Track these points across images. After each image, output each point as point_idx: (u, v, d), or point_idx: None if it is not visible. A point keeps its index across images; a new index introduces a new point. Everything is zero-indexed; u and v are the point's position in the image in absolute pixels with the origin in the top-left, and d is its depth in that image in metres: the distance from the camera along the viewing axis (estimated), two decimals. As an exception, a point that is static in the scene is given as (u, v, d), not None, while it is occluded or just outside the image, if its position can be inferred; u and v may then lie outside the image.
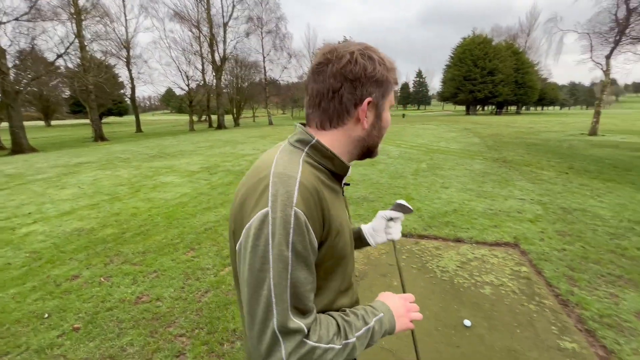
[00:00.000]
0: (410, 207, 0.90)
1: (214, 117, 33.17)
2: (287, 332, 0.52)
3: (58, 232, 4.13)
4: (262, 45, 32.63)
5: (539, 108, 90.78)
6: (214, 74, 29.65)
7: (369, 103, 0.64)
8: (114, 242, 3.76)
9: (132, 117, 38.89)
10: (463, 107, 58.52)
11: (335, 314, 0.64)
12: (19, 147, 14.66)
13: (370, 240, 0.92)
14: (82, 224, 4.40)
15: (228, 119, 35.30)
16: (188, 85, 29.71)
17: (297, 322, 0.53)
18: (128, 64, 27.28)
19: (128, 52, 26.91)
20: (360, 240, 0.94)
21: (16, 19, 14.78)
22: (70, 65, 20.09)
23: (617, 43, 13.23)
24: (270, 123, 32.75)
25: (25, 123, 16.41)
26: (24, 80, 16.54)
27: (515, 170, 7.19)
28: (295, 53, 35.62)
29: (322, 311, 0.65)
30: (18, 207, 5.34)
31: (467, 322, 2.25)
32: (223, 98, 31.76)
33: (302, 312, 0.55)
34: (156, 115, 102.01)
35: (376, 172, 7.14)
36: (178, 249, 3.55)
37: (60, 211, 5.03)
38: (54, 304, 2.56)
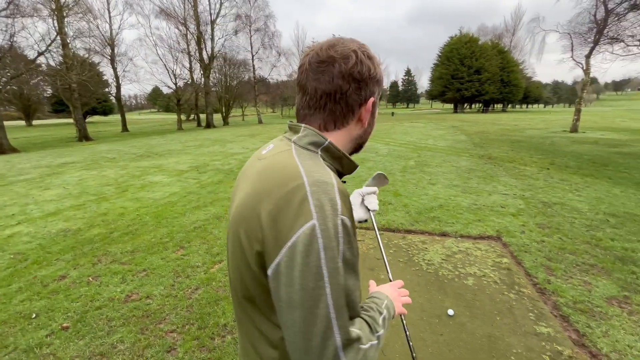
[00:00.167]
0: (387, 178, 0.99)
1: (202, 116, 32.81)
2: (348, 344, 0.51)
3: (43, 233, 4.06)
4: (251, 44, 32.43)
5: (524, 106, 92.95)
6: (202, 72, 29.27)
7: (372, 103, 0.64)
8: (102, 242, 3.73)
9: (117, 117, 38.04)
10: (451, 105, 59.52)
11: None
12: (-1, 147, 14.20)
13: None
14: (68, 225, 4.33)
15: (217, 117, 34.97)
16: (175, 84, 29.23)
17: (355, 332, 0.52)
18: (113, 61, 26.64)
19: (112, 49, 26.27)
20: None
21: (-7, 15, 14.28)
22: (52, 63, 19.52)
23: (596, 43, 13.69)
24: (260, 122, 32.58)
25: (5, 123, 15.86)
26: (3, 79, 15.98)
27: (499, 167, 7.40)
28: (284, 51, 35.57)
29: None
30: (0, 208, 5.21)
31: (450, 312, 2.35)
32: (211, 97, 31.39)
33: (353, 319, 0.55)
34: (143, 115, 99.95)
35: (365, 170, 7.24)
36: (167, 247, 3.55)
37: (45, 212, 4.94)
38: (42, 304, 2.54)
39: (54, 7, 17.29)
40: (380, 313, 0.65)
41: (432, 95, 51.74)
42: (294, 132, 0.65)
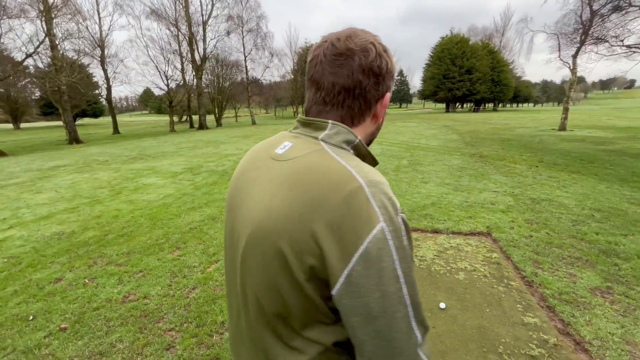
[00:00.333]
0: None
1: (195, 118, 32.58)
2: (424, 336, 0.51)
3: (37, 237, 4.04)
4: (243, 44, 32.32)
5: (514, 105, 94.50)
6: (194, 73, 29.09)
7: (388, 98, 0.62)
8: (97, 245, 3.73)
9: (108, 119, 37.55)
10: (443, 105, 60.15)
11: None
12: (-14, 151, 13.94)
13: None
14: (62, 228, 4.31)
15: (210, 119, 34.76)
16: (167, 85, 28.99)
17: (426, 322, 0.52)
18: (103, 63, 26.31)
19: (102, 51, 25.95)
20: None
21: (-21, 16, 14.02)
22: (40, 65, 19.24)
23: (582, 43, 14.03)
24: (254, 123, 32.50)
25: (-7, 126, 15.58)
26: (-10, 82, 15.71)
27: (490, 165, 7.55)
28: (277, 52, 35.55)
29: None
30: (-9, 212, 5.15)
31: (442, 305, 2.43)
32: (204, 98, 31.22)
33: None
34: (134, 116, 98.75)
35: (359, 169, 7.32)
36: (163, 248, 3.57)
37: (38, 216, 4.90)
38: (38, 306, 2.55)
39: (42, 8, 17.02)
40: None
41: (425, 95, 52.19)
42: (314, 128, 0.60)
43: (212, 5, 28.87)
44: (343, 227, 0.47)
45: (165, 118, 47.77)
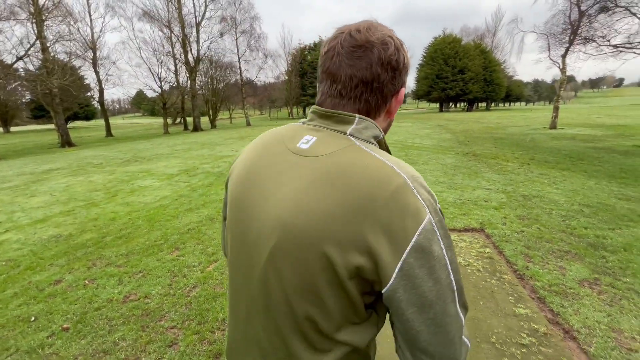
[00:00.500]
0: None
1: (189, 120, 32.41)
2: (465, 316, 0.53)
3: (34, 240, 4.03)
4: (237, 46, 32.31)
5: (506, 104, 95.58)
6: (187, 75, 28.98)
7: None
8: (95, 247, 3.74)
9: (100, 121, 37.26)
10: (437, 105, 60.59)
11: None
12: (-23, 155, 13.73)
13: None
14: (59, 231, 4.31)
15: (204, 120, 34.60)
16: (161, 87, 28.83)
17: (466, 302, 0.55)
18: (95, 65, 26.09)
19: (94, 53, 25.74)
20: None
21: (-32, 19, 13.82)
22: (31, 67, 19.00)
23: (571, 43, 14.32)
24: (248, 124, 32.46)
25: (-17, 130, 15.35)
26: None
27: (483, 163, 7.68)
28: (271, 53, 35.61)
29: None
30: (-14, 217, 5.11)
31: (437, 298, 2.50)
32: (198, 100, 31.10)
33: None
34: (127, 119, 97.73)
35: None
36: (162, 249, 3.60)
37: (34, 219, 4.88)
38: (40, 307, 2.57)
39: (32, 10, 16.84)
40: None
41: (418, 95, 52.59)
42: (336, 121, 0.58)
43: (206, 6, 28.83)
44: (393, 223, 0.47)
45: (159, 120, 47.42)
